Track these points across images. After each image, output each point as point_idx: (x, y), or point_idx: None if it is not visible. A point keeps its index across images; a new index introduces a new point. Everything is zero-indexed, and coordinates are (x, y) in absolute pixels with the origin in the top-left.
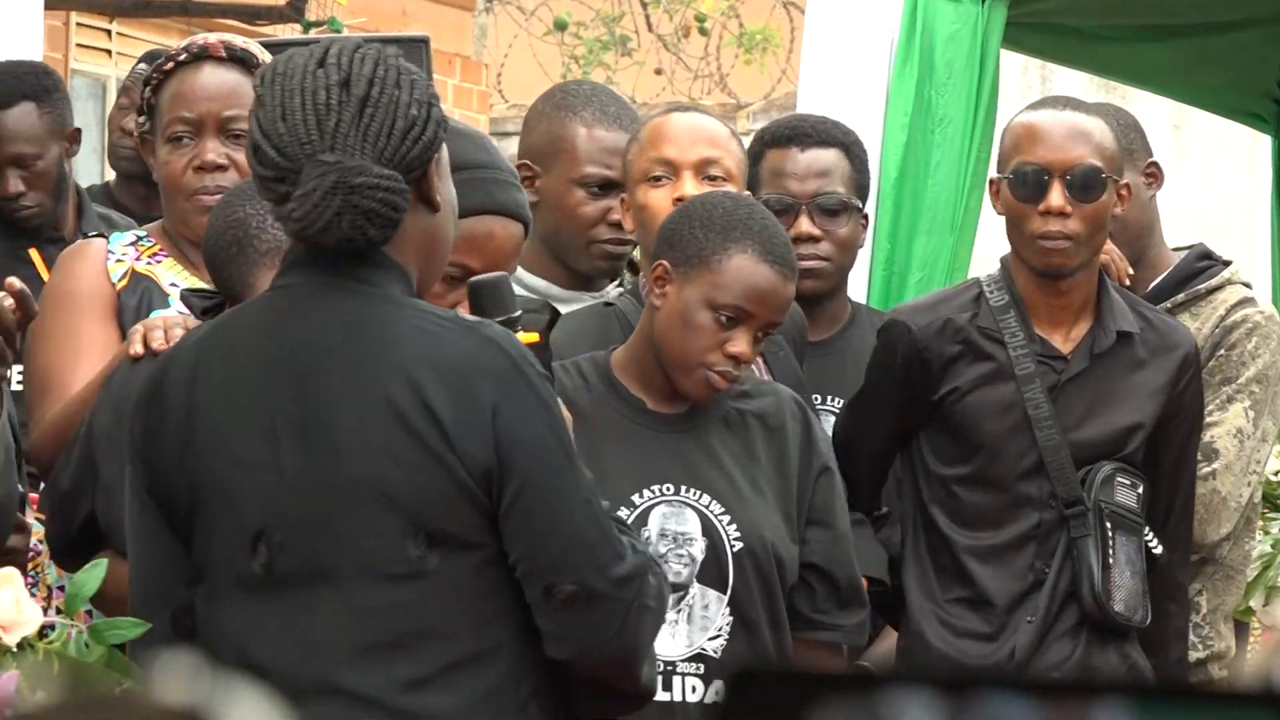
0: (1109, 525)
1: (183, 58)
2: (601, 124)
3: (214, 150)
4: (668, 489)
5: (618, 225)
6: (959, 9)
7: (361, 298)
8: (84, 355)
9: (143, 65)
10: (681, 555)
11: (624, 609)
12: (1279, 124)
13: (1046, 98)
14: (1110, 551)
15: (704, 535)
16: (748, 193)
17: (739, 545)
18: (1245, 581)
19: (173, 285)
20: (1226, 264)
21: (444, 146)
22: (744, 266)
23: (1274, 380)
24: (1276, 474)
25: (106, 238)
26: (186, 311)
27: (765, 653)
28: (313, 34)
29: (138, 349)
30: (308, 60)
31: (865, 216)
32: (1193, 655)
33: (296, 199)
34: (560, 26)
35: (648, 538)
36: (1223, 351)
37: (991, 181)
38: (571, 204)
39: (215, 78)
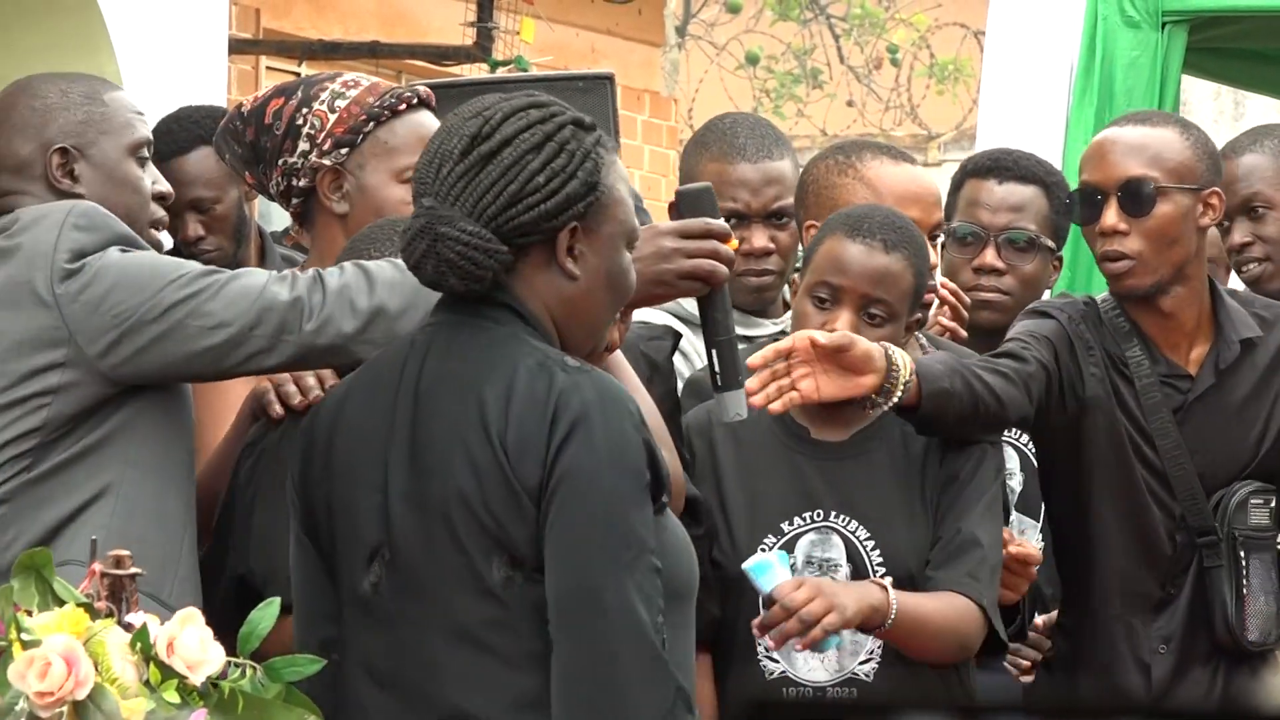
0: (1243, 553)
1: (415, 100)
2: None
3: None
4: (817, 515)
5: (746, 255)
6: (1139, 35)
7: (485, 334)
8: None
9: (347, 96)
10: None
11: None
12: None
13: (1129, 113)
14: (1245, 581)
15: (849, 561)
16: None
17: (881, 570)
18: None
19: None
20: None
21: (615, 220)
22: (831, 247)
23: None
24: None
25: None
26: None
27: (925, 681)
28: (499, 73)
29: (277, 410)
30: (475, 107)
31: (1059, 258)
32: None
33: (401, 235)
34: (752, 61)
35: (794, 565)
36: None
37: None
38: None
39: (435, 128)
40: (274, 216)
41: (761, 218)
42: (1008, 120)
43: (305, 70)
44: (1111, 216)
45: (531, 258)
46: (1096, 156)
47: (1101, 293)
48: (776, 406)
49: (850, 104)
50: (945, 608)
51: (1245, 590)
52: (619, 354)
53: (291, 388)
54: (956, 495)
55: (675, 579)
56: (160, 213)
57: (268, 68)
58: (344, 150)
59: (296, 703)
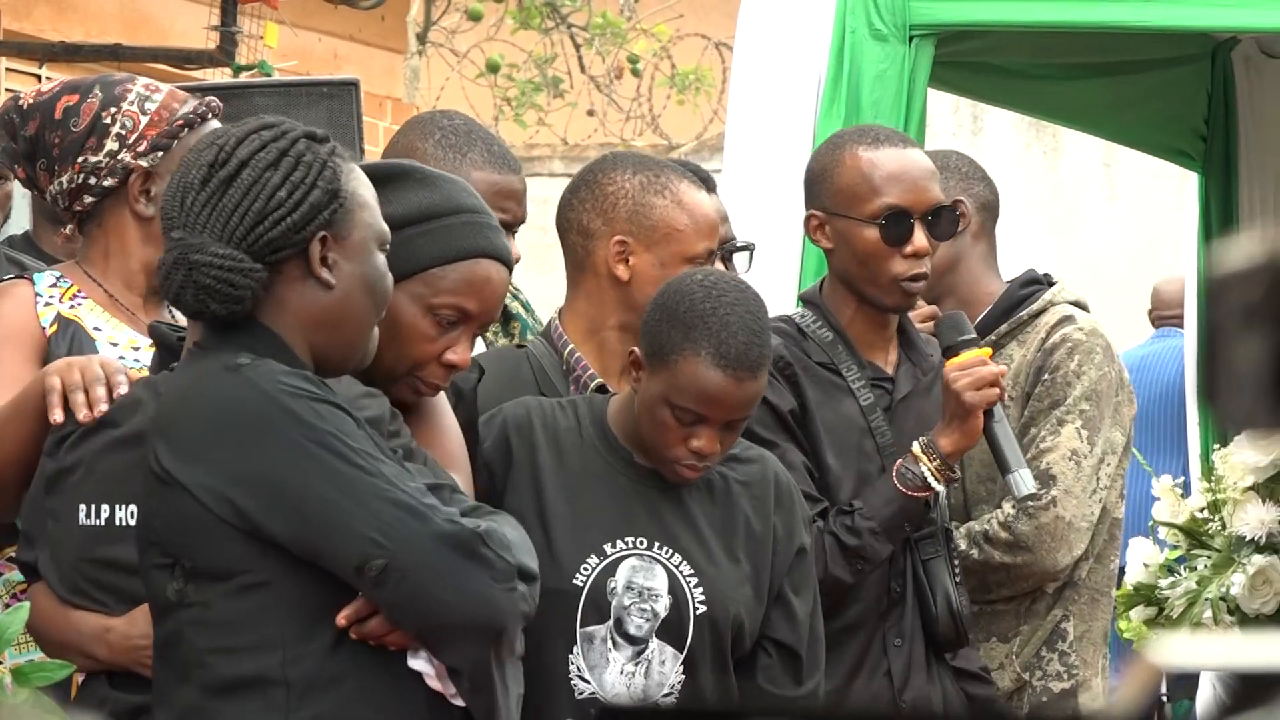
0: (953, 544)
1: (218, 110)
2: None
3: None
4: (641, 543)
5: None
6: (886, 48)
7: (193, 362)
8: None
9: (154, 100)
10: (645, 610)
11: (442, 574)
12: (1205, 161)
13: (868, 130)
14: (955, 569)
15: (670, 593)
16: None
17: (702, 609)
18: (1110, 604)
19: (97, 329)
20: (1051, 284)
21: (363, 224)
22: (696, 372)
23: (1107, 394)
24: (1202, 510)
25: (29, 279)
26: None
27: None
28: (243, 78)
29: (57, 416)
30: (208, 137)
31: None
32: (1058, 685)
33: (157, 270)
34: (492, 69)
35: (614, 588)
36: (1046, 375)
37: (816, 215)
38: None
39: None
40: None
41: (515, 229)
42: (755, 131)
43: (46, 73)
44: (921, 239)
45: (286, 274)
46: (899, 179)
47: (796, 309)
48: None
49: (591, 113)
50: None
51: (959, 580)
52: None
53: (80, 397)
54: (801, 621)
55: None
56: None
57: (8, 69)
58: (159, 154)
59: (44, 708)
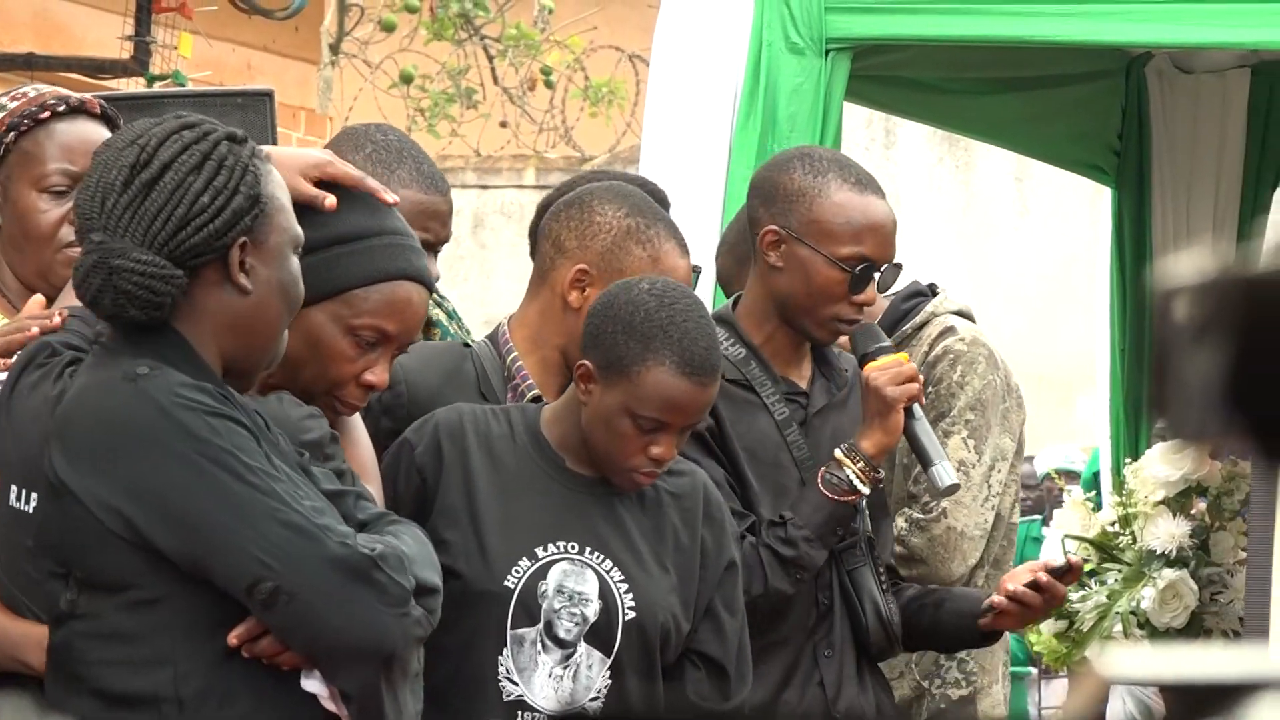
0: (876, 552)
1: (61, 108)
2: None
3: None
4: (572, 547)
5: None
6: (802, 62)
7: (96, 366)
8: None
9: (6, 108)
10: (575, 614)
11: (331, 598)
12: (1119, 176)
13: (850, 166)
14: (881, 576)
15: (600, 598)
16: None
17: (631, 614)
18: None
19: None
20: (935, 294)
21: (280, 229)
22: (662, 380)
23: (990, 402)
24: (1113, 524)
25: None
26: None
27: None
28: (157, 88)
29: None
30: (127, 135)
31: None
32: (956, 693)
33: (74, 271)
34: (406, 80)
35: (544, 591)
36: (930, 388)
37: (777, 232)
38: None
39: (96, 134)
40: None
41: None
42: (671, 144)
43: None
44: (874, 291)
45: (203, 278)
46: (876, 232)
47: None
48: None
49: (504, 125)
50: None
51: (886, 586)
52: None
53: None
54: (730, 635)
55: None
56: None
57: None
58: None
59: None
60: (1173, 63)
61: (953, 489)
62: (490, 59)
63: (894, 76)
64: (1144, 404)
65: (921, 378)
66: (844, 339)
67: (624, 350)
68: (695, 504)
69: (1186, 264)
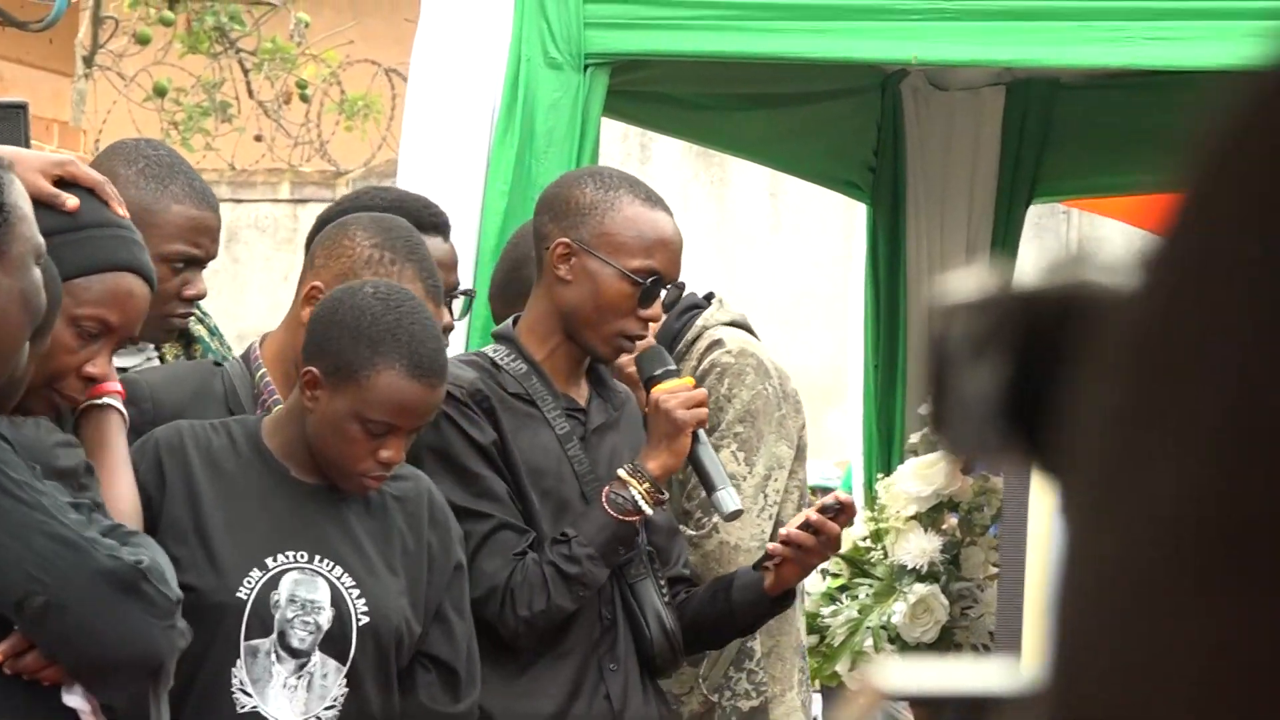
0: (657, 565)
1: None
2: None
3: None
4: (301, 556)
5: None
6: (560, 77)
7: None
8: None
9: None
10: (308, 623)
11: (102, 611)
12: (874, 192)
13: (640, 185)
14: (663, 589)
15: (332, 605)
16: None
17: (365, 620)
18: (801, 617)
19: None
20: (706, 306)
21: (23, 238)
22: (392, 384)
23: (762, 412)
24: (864, 539)
25: None
26: None
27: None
28: None
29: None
30: None
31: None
32: (746, 704)
33: None
34: (160, 93)
35: (277, 601)
36: None
37: (568, 244)
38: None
39: None
40: None
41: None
42: (429, 158)
43: None
44: (659, 308)
45: None
46: (666, 247)
47: (488, 346)
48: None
49: (259, 138)
50: None
51: (668, 599)
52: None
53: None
54: (460, 637)
55: None
56: None
57: None
58: None
59: None
60: (928, 80)
61: (736, 514)
62: (245, 72)
63: (651, 92)
64: (896, 419)
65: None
66: (627, 359)
67: (352, 355)
68: (420, 508)
69: (964, 281)
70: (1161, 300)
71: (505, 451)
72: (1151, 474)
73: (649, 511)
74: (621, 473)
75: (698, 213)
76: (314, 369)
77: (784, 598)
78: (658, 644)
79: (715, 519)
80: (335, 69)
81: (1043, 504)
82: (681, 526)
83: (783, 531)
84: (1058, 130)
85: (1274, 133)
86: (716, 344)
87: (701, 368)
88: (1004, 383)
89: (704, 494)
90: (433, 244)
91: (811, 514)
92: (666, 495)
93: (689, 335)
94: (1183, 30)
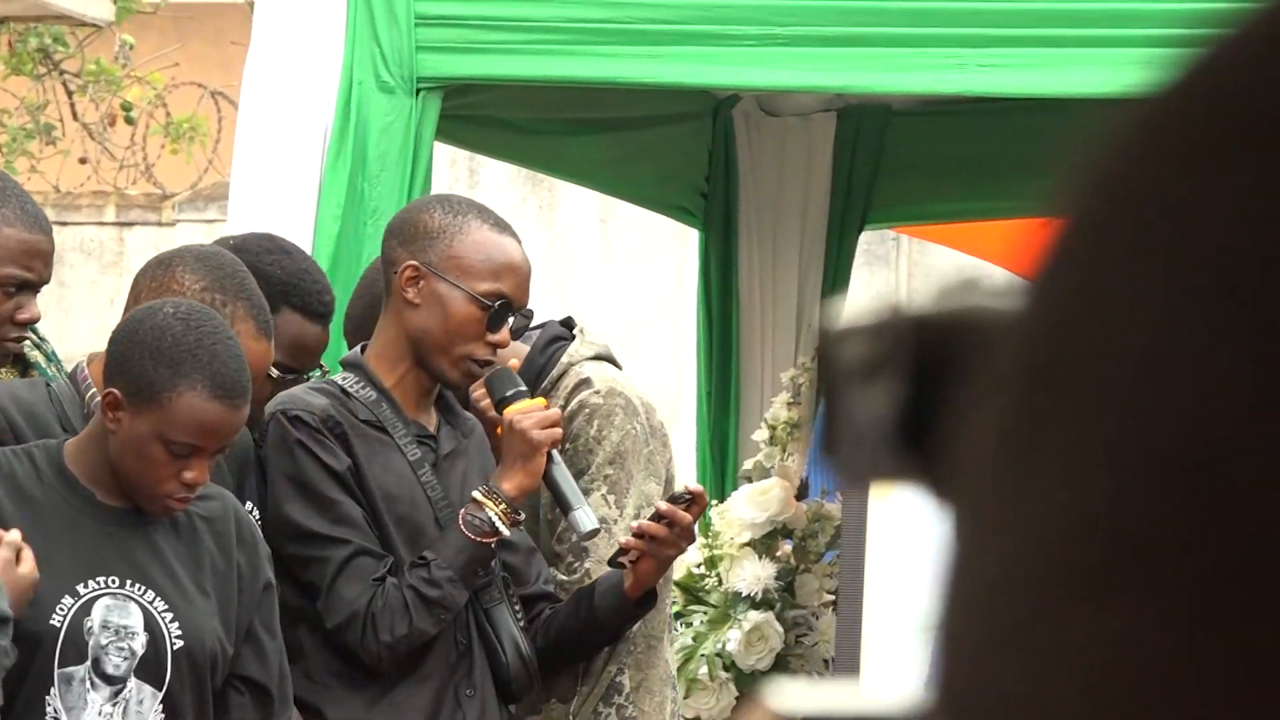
0: (511, 590)
1: None
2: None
3: None
4: (113, 581)
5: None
6: (393, 101)
7: None
8: None
9: None
10: (122, 648)
11: None
12: (706, 219)
13: (488, 211)
14: (518, 614)
15: (146, 630)
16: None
17: (179, 644)
18: (669, 649)
19: None
20: (571, 330)
21: None
22: (195, 405)
23: (631, 451)
24: (699, 566)
25: None
26: None
27: None
28: None
29: None
30: None
31: None
32: None
33: None
34: None
35: (90, 628)
36: (568, 445)
37: (416, 268)
38: None
39: None
40: None
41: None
42: (259, 183)
43: None
44: (507, 333)
45: None
46: (514, 272)
47: (339, 373)
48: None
49: (84, 161)
50: None
51: (523, 623)
52: None
53: None
54: (271, 656)
55: None
56: None
57: None
58: None
59: None
60: (759, 106)
61: (593, 534)
62: (70, 94)
63: (483, 116)
64: (730, 446)
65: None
66: (479, 393)
67: (154, 376)
68: (228, 527)
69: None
70: (1050, 321)
71: (359, 478)
72: (1040, 489)
73: (506, 532)
74: (477, 494)
75: (527, 238)
76: (115, 390)
77: (646, 599)
78: (514, 669)
79: (588, 564)
80: (160, 91)
81: (884, 530)
82: (552, 570)
83: (634, 524)
84: (890, 157)
85: (1164, 155)
86: (584, 383)
87: (570, 408)
88: (898, 405)
89: (574, 537)
90: (312, 330)
91: (662, 504)
92: (523, 516)
93: (553, 371)
94: (1016, 58)
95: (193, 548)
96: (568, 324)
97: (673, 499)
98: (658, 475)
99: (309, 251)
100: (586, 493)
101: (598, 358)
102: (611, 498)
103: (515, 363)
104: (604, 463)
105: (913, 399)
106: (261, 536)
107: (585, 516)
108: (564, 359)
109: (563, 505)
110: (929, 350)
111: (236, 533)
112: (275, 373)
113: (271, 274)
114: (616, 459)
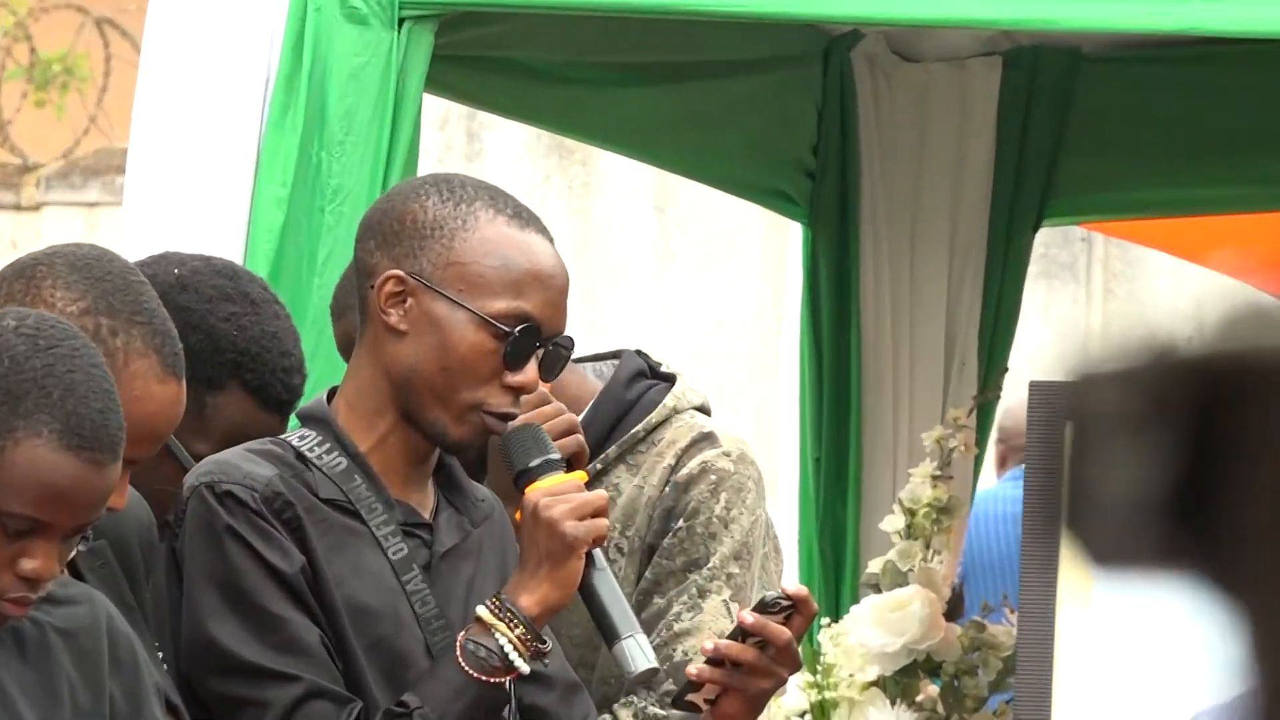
0: None
1: None
2: None
3: None
4: None
5: None
6: (364, 35)
7: None
8: None
9: None
10: None
11: None
12: (813, 208)
13: (503, 195)
14: None
15: None
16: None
17: None
18: None
19: None
20: (669, 379)
21: None
22: (36, 459)
23: (756, 546)
24: (803, 715)
25: None
26: None
27: None
28: None
29: None
30: None
31: None
32: None
33: None
34: None
35: None
36: (682, 523)
37: (401, 279)
38: None
39: None
40: None
41: None
42: (171, 151)
43: None
44: (534, 371)
45: None
46: (544, 284)
47: (293, 430)
48: None
49: None
50: None
51: None
52: None
53: None
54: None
55: None
56: None
57: None
58: None
59: None
60: (891, 47)
61: (650, 675)
62: None
63: (489, 57)
64: (847, 537)
65: (652, 513)
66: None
67: None
68: (97, 644)
69: (1107, 347)
70: None
71: (317, 583)
72: None
73: (524, 668)
74: (483, 612)
75: (553, 232)
76: None
77: None
78: None
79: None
80: (21, 18)
81: (1079, 658)
82: (633, 699)
83: (706, 645)
84: (1078, 122)
85: None
86: (706, 440)
87: (687, 470)
88: (1170, 468)
89: (661, 652)
90: (263, 421)
91: (747, 616)
92: (549, 644)
93: (652, 418)
94: None
95: (46, 675)
96: (641, 356)
97: (762, 606)
98: (769, 573)
99: (241, 249)
100: (702, 595)
101: (701, 408)
102: (734, 606)
103: (555, 410)
104: (730, 556)
105: (1188, 462)
106: (142, 653)
107: (637, 650)
108: (668, 401)
109: (606, 632)
110: (1211, 401)
111: (110, 651)
112: (185, 458)
113: (222, 334)
114: (744, 553)
